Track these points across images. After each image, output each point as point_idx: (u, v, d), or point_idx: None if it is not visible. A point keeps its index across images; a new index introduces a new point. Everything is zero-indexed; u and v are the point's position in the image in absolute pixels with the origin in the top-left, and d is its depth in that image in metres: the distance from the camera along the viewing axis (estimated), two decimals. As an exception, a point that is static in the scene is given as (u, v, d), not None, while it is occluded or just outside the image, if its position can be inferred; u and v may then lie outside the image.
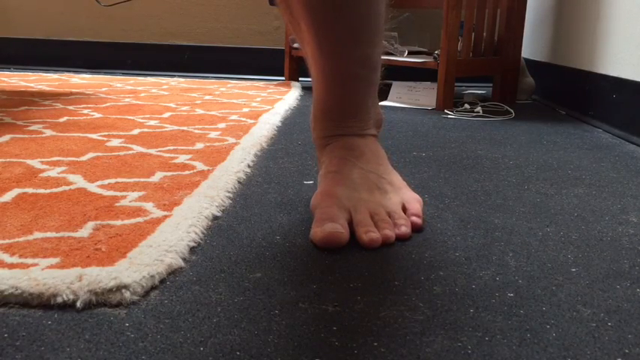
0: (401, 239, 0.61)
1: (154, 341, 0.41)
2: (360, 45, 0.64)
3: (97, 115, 1.23)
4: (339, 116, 0.68)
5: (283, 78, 2.03)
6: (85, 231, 0.58)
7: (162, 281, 0.50)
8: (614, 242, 0.62)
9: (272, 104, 1.46)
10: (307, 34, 0.64)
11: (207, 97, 1.55)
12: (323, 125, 0.69)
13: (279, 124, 1.22)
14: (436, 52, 1.54)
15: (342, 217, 0.61)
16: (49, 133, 1.03)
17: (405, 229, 0.61)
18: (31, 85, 1.70)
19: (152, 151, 0.93)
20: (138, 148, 0.94)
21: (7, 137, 0.99)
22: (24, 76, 1.93)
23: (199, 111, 1.33)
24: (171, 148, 0.96)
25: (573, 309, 0.47)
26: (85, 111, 1.27)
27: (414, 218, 0.64)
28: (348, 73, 0.66)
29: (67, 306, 0.45)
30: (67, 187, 0.72)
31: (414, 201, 0.66)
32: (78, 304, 0.45)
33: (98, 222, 0.61)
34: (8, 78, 1.85)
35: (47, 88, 1.63)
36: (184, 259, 0.54)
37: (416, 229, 0.63)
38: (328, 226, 0.58)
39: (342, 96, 0.68)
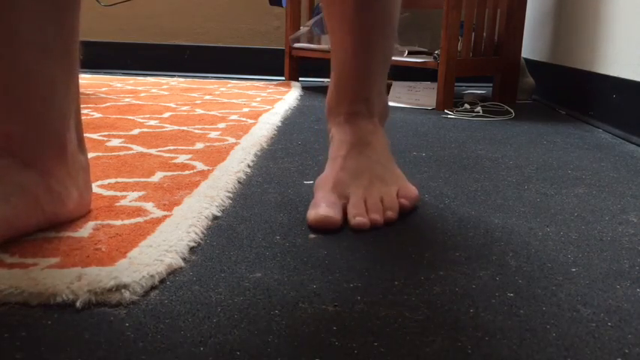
0: (388, 224, 0.65)
1: (154, 341, 0.41)
2: (389, 33, 0.71)
3: (97, 115, 1.23)
4: (356, 89, 0.71)
5: (283, 78, 2.03)
6: (84, 231, 0.58)
7: (162, 281, 0.50)
8: (614, 242, 0.62)
9: (272, 104, 1.46)
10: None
11: (207, 97, 1.55)
12: (339, 98, 0.72)
13: (279, 124, 1.22)
14: (436, 52, 1.54)
15: (338, 201, 0.65)
16: (49, 133, 1.03)
17: (390, 214, 0.65)
18: (31, 85, 1.70)
19: (152, 151, 0.93)
20: (138, 148, 0.94)
21: (7, 137, 0.98)
22: (24, 76, 1.93)
23: (199, 111, 1.33)
24: (172, 148, 0.95)
25: (573, 309, 0.47)
26: (85, 111, 1.27)
27: (402, 200, 0.68)
28: (376, 47, 0.70)
29: (67, 306, 0.45)
30: (67, 187, 0.72)
31: (409, 187, 0.70)
32: (78, 303, 0.45)
33: (98, 222, 0.61)
34: (8, 78, 1.85)
35: (47, 88, 1.63)
36: (184, 259, 0.54)
37: (403, 211, 0.67)
38: (322, 210, 0.63)
39: (365, 62, 0.70)
